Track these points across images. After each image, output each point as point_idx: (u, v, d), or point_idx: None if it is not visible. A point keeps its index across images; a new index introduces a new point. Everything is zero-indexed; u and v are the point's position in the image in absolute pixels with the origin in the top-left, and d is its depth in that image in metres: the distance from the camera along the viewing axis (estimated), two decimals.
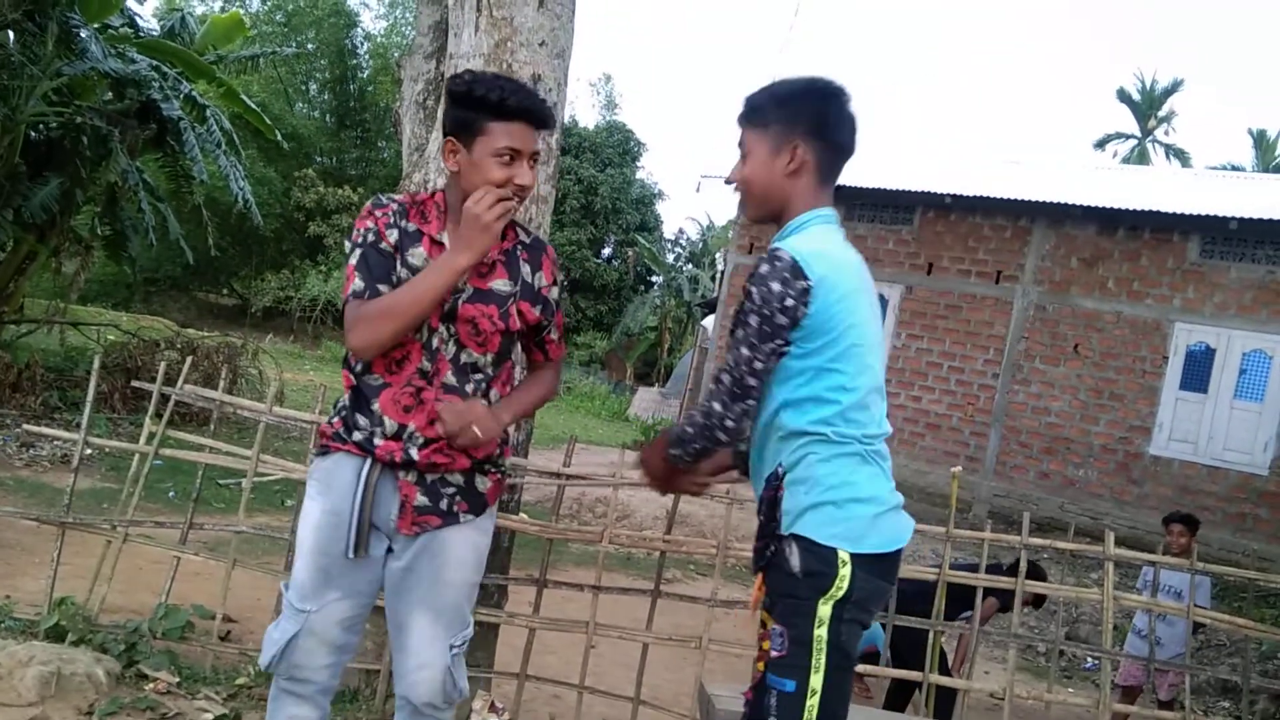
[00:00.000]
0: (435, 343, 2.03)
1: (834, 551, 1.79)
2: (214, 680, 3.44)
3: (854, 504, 1.81)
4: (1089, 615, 7.95)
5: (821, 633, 1.78)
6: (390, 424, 2.03)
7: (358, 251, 2.02)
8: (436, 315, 2.01)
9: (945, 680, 3.91)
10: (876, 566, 1.82)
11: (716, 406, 1.84)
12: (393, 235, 2.03)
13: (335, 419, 2.11)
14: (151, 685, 3.28)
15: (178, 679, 3.37)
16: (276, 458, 3.95)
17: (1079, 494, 11.10)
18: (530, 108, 1.98)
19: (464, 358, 2.05)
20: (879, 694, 5.07)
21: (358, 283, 2.00)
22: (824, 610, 1.78)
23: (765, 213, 2.00)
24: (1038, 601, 5.00)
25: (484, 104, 1.95)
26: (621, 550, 7.40)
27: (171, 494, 6.92)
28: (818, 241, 1.87)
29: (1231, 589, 7.92)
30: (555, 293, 2.17)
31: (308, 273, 27.50)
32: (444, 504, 2.07)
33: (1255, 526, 10.24)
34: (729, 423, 1.83)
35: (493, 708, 3.48)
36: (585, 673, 3.63)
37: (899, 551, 1.88)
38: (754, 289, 1.80)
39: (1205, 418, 10.63)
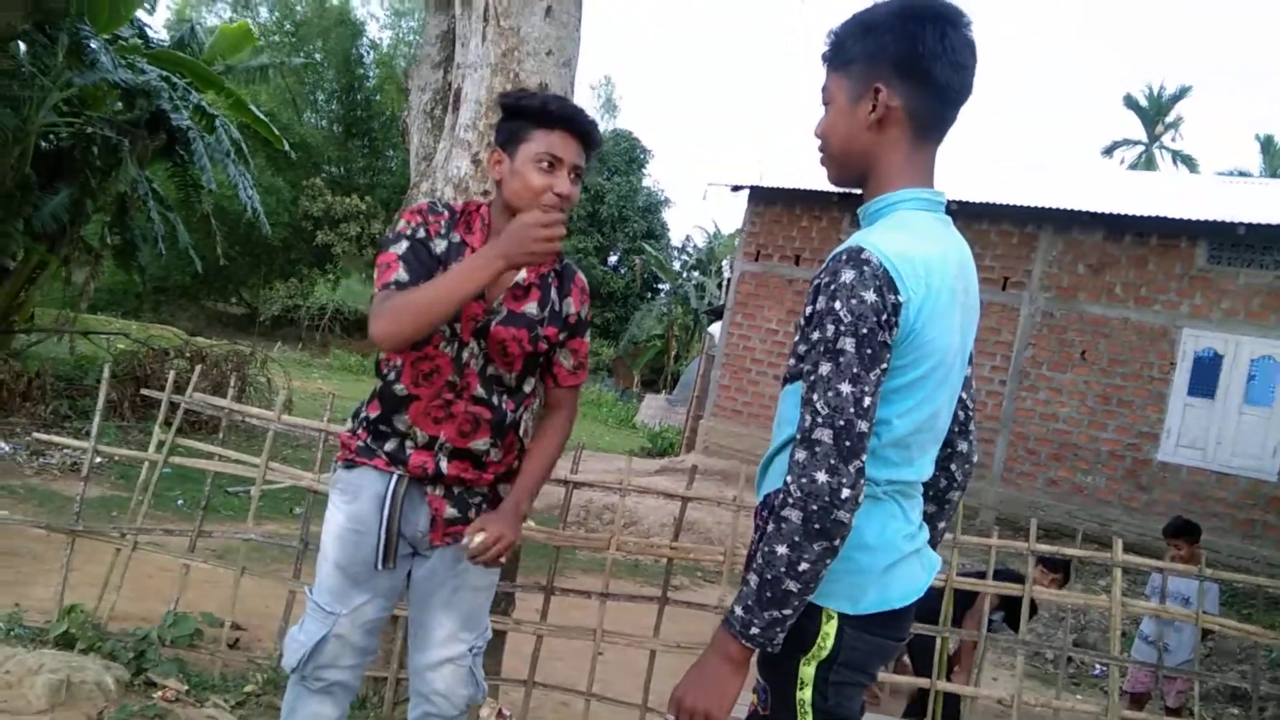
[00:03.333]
0: (465, 356, 2.03)
1: (818, 608, 1.47)
2: (223, 688, 3.45)
3: (859, 553, 1.47)
4: (1097, 622, 7.91)
5: (805, 696, 1.50)
6: (421, 435, 2.05)
7: (404, 243, 1.97)
8: (468, 330, 2.01)
9: (952, 687, 3.91)
10: (879, 624, 1.51)
11: (822, 476, 1.36)
12: (440, 245, 2.01)
13: (360, 430, 2.11)
14: (160, 693, 3.30)
15: (186, 687, 3.38)
16: (285, 465, 3.97)
17: (1087, 500, 11.06)
18: (572, 116, 1.98)
19: (491, 371, 2.06)
20: (882, 695, 5.05)
21: (401, 273, 1.93)
22: (806, 671, 1.49)
23: (845, 175, 1.61)
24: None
25: (527, 112, 1.97)
26: (629, 557, 7.39)
27: (180, 502, 6.94)
28: (908, 238, 1.47)
29: (1240, 595, 7.89)
30: (581, 319, 2.15)
31: (316, 281, 27.64)
32: (472, 514, 2.10)
33: (1264, 533, 10.19)
34: (846, 491, 1.36)
35: (500, 715, 3.49)
36: (593, 680, 3.63)
37: (914, 603, 1.57)
38: (838, 304, 1.39)
39: (1213, 424, 10.59)
